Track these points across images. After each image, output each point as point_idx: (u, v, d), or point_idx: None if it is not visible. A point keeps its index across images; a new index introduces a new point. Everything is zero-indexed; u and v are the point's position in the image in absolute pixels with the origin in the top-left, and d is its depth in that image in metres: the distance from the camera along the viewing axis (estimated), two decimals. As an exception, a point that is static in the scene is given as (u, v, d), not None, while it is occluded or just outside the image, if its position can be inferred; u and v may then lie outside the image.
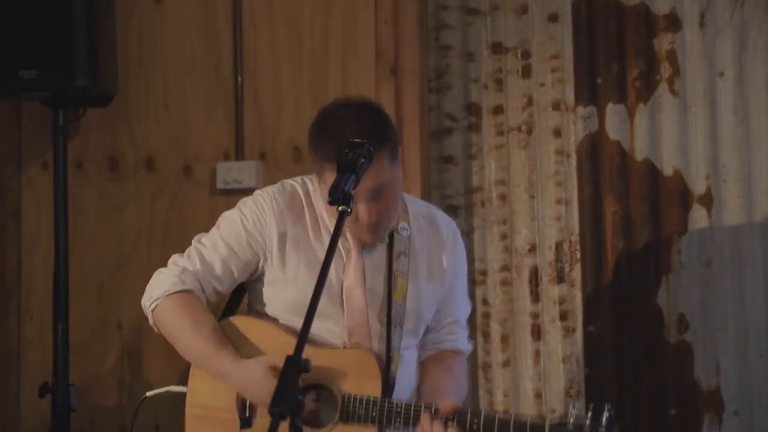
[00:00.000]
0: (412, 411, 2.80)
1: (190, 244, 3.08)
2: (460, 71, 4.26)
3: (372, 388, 2.85)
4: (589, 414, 2.67)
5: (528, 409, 4.12)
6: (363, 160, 2.73)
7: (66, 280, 4.19)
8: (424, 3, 4.26)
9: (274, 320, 2.99)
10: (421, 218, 3.08)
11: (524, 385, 4.13)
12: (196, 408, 2.99)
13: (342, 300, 2.93)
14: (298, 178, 3.09)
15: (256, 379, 2.84)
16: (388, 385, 2.89)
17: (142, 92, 4.42)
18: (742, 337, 3.95)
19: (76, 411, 4.15)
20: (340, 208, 2.64)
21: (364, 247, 2.97)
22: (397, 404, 2.81)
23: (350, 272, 2.95)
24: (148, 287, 3.06)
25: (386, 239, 2.99)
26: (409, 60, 4.18)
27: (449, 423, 2.76)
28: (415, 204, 3.14)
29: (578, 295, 4.09)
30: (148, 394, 3.17)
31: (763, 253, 3.94)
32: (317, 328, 2.76)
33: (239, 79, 4.34)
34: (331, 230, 2.90)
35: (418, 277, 3.01)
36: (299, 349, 2.40)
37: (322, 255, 2.88)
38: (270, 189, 3.05)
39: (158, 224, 4.38)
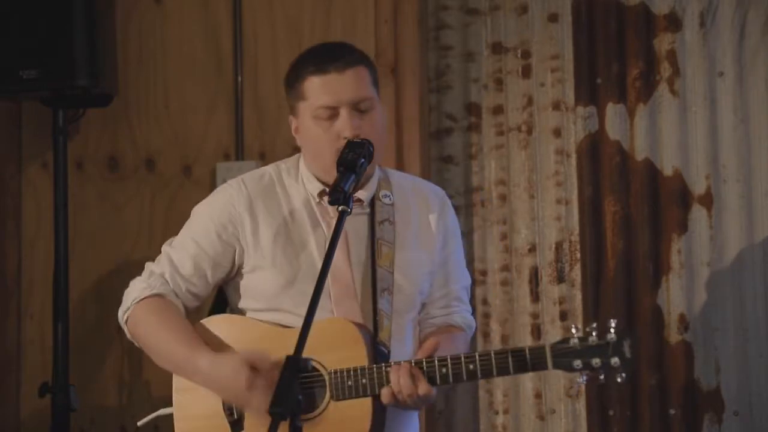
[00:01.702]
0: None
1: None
2: (460, 71, 4.26)
3: (357, 357, 2.70)
4: (594, 327, 2.53)
5: (528, 409, 4.12)
6: (363, 160, 2.73)
7: (66, 280, 4.19)
8: (424, 3, 4.26)
9: (249, 313, 2.87)
10: (406, 187, 2.98)
11: (524, 385, 4.12)
12: (185, 422, 2.85)
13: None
14: (271, 164, 3.01)
15: (228, 376, 2.69)
16: (378, 353, 2.75)
17: (142, 92, 4.43)
18: (742, 337, 3.94)
19: (76, 411, 4.15)
20: (340, 208, 2.65)
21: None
22: (385, 366, 2.66)
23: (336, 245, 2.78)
24: (123, 298, 2.95)
25: (367, 208, 2.89)
26: (409, 60, 4.18)
27: (417, 374, 2.63)
28: (398, 175, 3.04)
29: (578, 295, 4.09)
30: (139, 424, 3.03)
31: (763, 253, 3.94)
32: (305, 308, 2.52)
33: (239, 79, 4.34)
34: (311, 204, 2.87)
35: (406, 247, 2.89)
36: (299, 348, 2.40)
37: (298, 235, 2.85)
38: (238, 177, 2.96)
39: (158, 224, 4.38)
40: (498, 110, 4.22)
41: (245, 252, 2.87)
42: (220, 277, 2.90)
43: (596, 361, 2.52)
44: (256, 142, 4.31)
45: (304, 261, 2.83)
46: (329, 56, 2.82)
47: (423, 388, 2.64)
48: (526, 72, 4.19)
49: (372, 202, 2.90)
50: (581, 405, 4.06)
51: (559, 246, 4.13)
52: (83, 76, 4.14)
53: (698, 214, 4.00)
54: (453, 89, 4.27)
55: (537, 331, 4.11)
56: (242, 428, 2.76)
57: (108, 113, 4.39)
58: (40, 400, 4.15)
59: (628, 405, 4.03)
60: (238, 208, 2.88)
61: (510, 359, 2.59)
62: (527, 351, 2.58)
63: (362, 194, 2.87)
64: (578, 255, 4.10)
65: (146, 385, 4.35)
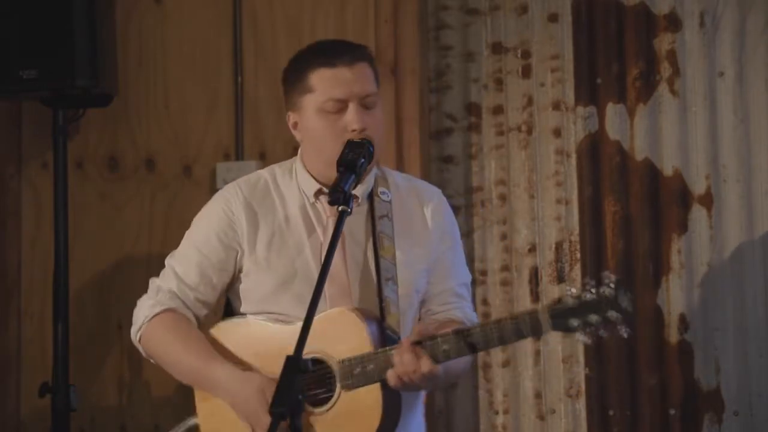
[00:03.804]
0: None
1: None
2: (460, 71, 4.26)
3: (362, 343, 2.69)
4: (591, 284, 2.45)
5: (528, 409, 4.12)
6: (363, 160, 2.73)
7: (66, 280, 4.19)
8: (424, 3, 4.26)
9: (250, 318, 2.87)
10: (402, 186, 2.98)
11: (524, 385, 4.12)
12: (210, 425, 2.86)
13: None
14: (266, 168, 3.01)
15: (250, 394, 2.71)
16: (388, 339, 2.73)
17: (142, 92, 4.43)
18: (742, 337, 3.94)
19: (76, 411, 4.15)
20: (340, 208, 2.65)
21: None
22: (390, 349, 2.64)
23: (325, 239, 2.81)
24: (133, 319, 2.97)
25: (365, 204, 2.89)
26: (409, 60, 4.18)
27: (419, 350, 2.60)
28: (395, 174, 3.04)
29: (578, 295, 4.09)
30: None
31: (763, 253, 3.94)
32: (300, 310, 2.55)
33: (239, 79, 4.34)
34: (306, 206, 2.87)
35: (403, 244, 2.88)
36: (299, 348, 2.40)
37: (293, 238, 2.85)
38: (234, 182, 2.97)
39: (158, 224, 4.38)
40: (498, 110, 4.22)
41: (243, 255, 2.87)
42: (226, 281, 2.91)
43: (594, 318, 2.44)
44: (256, 142, 4.31)
45: (299, 264, 2.84)
46: (337, 50, 2.85)
47: (426, 365, 2.61)
48: (526, 72, 4.19)
49: (370, 199, 2.90)
50: (581, 405, 4.06)
51: (559, 246, 4.13)
52: (83, 76, 4.14)
53: (698, 214, 4.00)
54: (453, 89, 4.27)
55: (537, 331, 4.11)
56: None
57: (108, 113, 4.39)
58: (40, 400, 4.14)
59: (628, 405, 4.03)
60: (236, 212, 2.89)
61: (508, 327, 2.55)
62: (524, 317, 2.53)
63: (359, 190, 2.86)
64: (578, 255, 4.10)
65: (146, 385, 4.35)
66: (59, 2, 4.13)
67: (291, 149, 4.25)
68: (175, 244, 3.11)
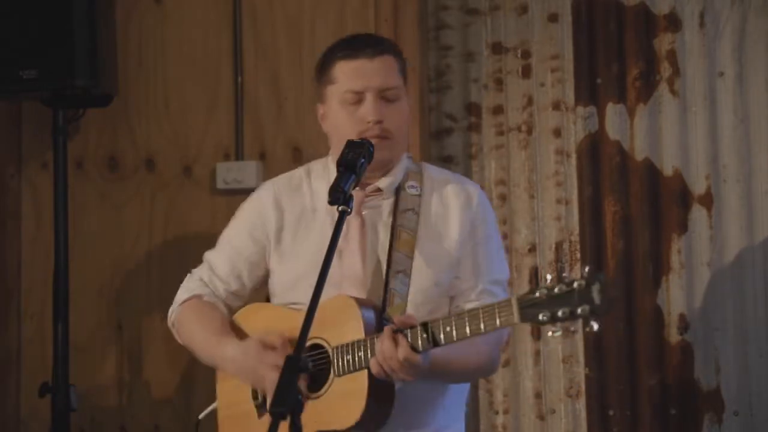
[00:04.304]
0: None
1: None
2: (460, 71, 4.26)
3: (355, 330, 2.71)
4: (564, 276, 2.39)
5: (528, 409, 4.12)
6: (363, 160, 2.74)
7: (66, 280, 4.18)
8: (424, 3, 4.26)
9: (269, 304, 2.96)
10: (437, 180, 2.98)
11: (524, 385, 4.12)
12: (225, 409, 2.95)
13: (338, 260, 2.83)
14: (305, 164, 3.07)
15: (238, 357, 2.80)
16: (383, 328, 2.71)
17: (142, 92, 4.43)
18: (742, 337, 3.94)
19: (76, 411, 4.15)
20: (340, 208, 2.66)
21: (363, 206, 2.90)
22: (376, 338, 2.64)
23: (347, 229, 2.84)
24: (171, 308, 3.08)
25: (391, 196, 2.92)
26: (409, 60, 4.16)
27: (399, 337, 2.59)
28: (431, 168, 3.05)
29: (578, 295, 4.08)
30: (200, 416, 3.05)
31: (763, 253, 3.94)
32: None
33: (239, 79, 4.34)
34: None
35: (429, 238, 2.88)
36: (299, 348, 2.40)
37: (318, 231, 2.89)
38: (273, 178, 3.06)
39: (158, 224, 4.38)
40: (498, 110, 4.22)
41: (271, 249, 2.96)
42: (258, 276, 3.01)
43: (563, 312, 2.36)
44: (256, 142, 4.31)
45: (319, 256, 2.83)
46: (360, 43, 2.90)
47: (402, 351, 2.58)
48: (526, 72, 4.19)
49: (397, 192, 2.93)
50: (581, 405, 4.06)
51: (559, 246, 4.13)
52: (83, 76, 4.14)
53: (698, 214, 4.00)
54: (453, 89, 4.27)
55: (537, 331, 4.11)
56: (266, 410, 2.75)
57: (108, 113, 4.39)
58: (40, 400, 4.14)
59: (628, 405, 4.03)
60: (267, 206, 2.97)
61: (480, 316, 2.52)
62: (495, 306, 2.50)
63: (383, 182, 2.91)
64: (578, 255, 4.10)
65: (146, 385, 4.35)
66: (59, 2, 4.12)
67: (291, 149, 4.26)
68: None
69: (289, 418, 2.28)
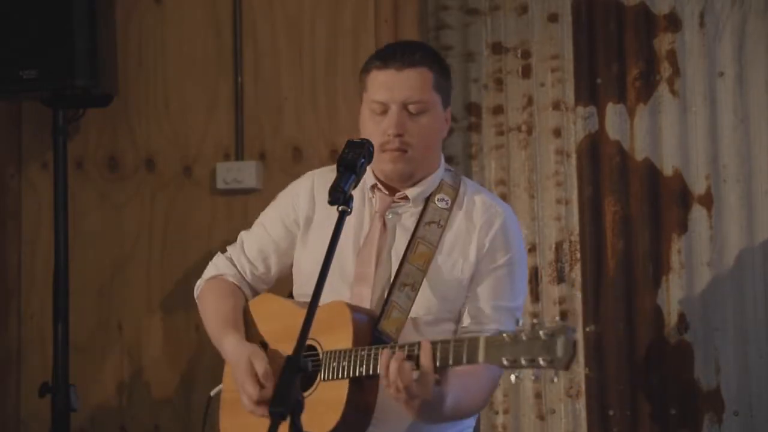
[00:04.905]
0: (372, 354, 2.63)
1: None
2: (460, 71, 4.25)
3: (344, 338, 2.72)
4: (536, 322, 2.36)
5: (528, 409, 4.12)
6: (363, 160, 2.74)
7: (66, 280, 4.19)
8: (424, 3, 4.26)
9: (279, 297, 2.99)
10: (470, 195, 2.97)
11: (524, 384, 4.12)
12: (228, 392, 2.98)
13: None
14: None
15: (231, 356, 2.87)
16: (375, 340, 2.73)
17: (142, 92, 4.43)
18: (742, 337, 3.94)
19: (76, 411, 4.15)
20: (340, 208, 2.66)
21: (388, 211, 2.91)
22: (362, 350, 2.66)
23: (368, 235, 2.90)
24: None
25: (420, 205, 2.92)
26: (409, 60, 4.18)
27: (405, 361, 2.57)
28: (471, 185, 3.03)
29: (578, 295, 4.09)
30: (212, 393, 3.06)
31: (763, 253, 3.94)
32: (326, 296, 2.59)
33: (239, 79, 4.34)
34: (365, 198, 2.93)
35: (448, 252, 2.88)
36: (299, 348, 2.40)
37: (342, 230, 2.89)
38: (318, 169, 3.10)
39: (158, 224, 4.38)
40: (498, 110, 4.22)
41: (299, 237, 3.00)
42: (285, 263, 3.05)
43: (525, 359, 2.36)
44: (256, 142, 4.31)
45: (338, 254, 2.83)
46: (394, 53, 2.90)
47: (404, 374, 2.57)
48: (526, 72, 4.19)
49: (426, 202, 2.94)
50: (581, 405, 4.06)
51: (559, 246, 4.13)
52: (83, 76, 4.14)
53: (698, 214, 4.00)
54: (453, 89, 4.24)
55: (537, 331, 4.11)
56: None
57: (108, 113, 4.39)
58: (40, 400, 4.14)
59: (628, 405, 4.02)
60: (301, 195, 3.02)
61: (450, 350, 2.53)
62: (465, 342, 2.51)
63: (412, 192, 2.93)
64: (578, 255, 4.10)
65: (146, 385, 4.35)
66: (59, 2, 4.13)
67: (291, 149, 4.26)
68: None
69: (289, 418, 2.28)
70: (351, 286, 2.86)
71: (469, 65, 4.25)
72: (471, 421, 3.03)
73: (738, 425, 3.93)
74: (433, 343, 2.57)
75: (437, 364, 2.55)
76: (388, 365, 2.58)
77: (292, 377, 2.33)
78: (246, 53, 4.34)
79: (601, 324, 4.07)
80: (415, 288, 2.83)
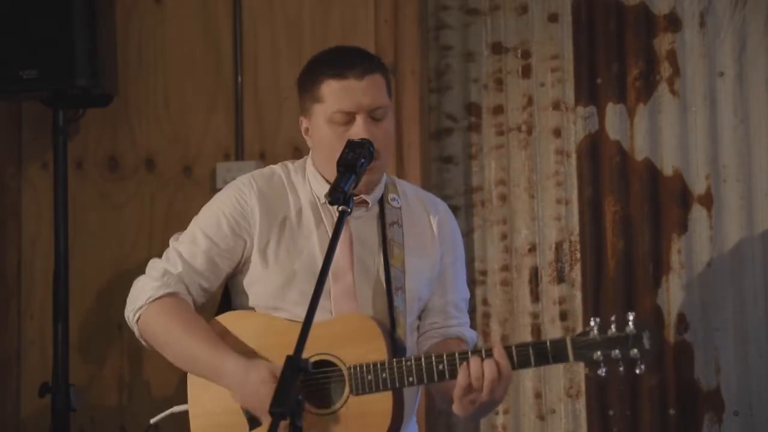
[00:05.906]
0: (423, 365, 2.64)
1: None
2: (460, 71, 4.26)
3: (377, 351, 2.70)
4: (612, 320, 2.57)
5: (528, 409, 4.12)
6: (363, 160, 2.73)
7: (66, 280, 4.19)
8: (424, 3, 4.26)
9: (260, 311, 2.86)
10: (410, 194, 2.99)
11: (524, 385, 4.12)
12: (201, 418, 2.83)
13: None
14: (278, 164, 3.00)
15: (254, 384, 2.68)
16: (398, 349, 2.75)
17: (142, 92, 4.43)
18: (742, 337, 3.94)
19: (76, 411, 4.15)
20: (340, 208, 2.65)
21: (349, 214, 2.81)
22: (406, 361, 2.66)
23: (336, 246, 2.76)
24: (129, 298, 2.91)
25: (376, 208, 2.90)
26: (409, 60, 4.18)
27: (500, 360, 2.62)
28: (402, 183, 3.05)
29: (578, 295, 4.09)
30: (152, 420, 2.95)
31: (763, 253, 3.94)
32: (304, 307, 2.52)
33: (239, 79, 4.34)
34: (317, 205, 2.87)
35: (412, 251, 2.89)
36: (299, 348, 2.40)
37: (301, 235, 2.85)
38: (248, 174, 2.96)
39: (158, 224, 4.38)
40: (498, 110, 4.22)
41: (253, 247, 2.86)
42: (229, 271, 2.89)
43: (616, 353, 2.56)
44: (256, 142, 4.31)
45: (305, 261, 2.83)
46: (348, 61, 2.83)
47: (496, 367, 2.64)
48: (526, 72, 4.19)
49: (381, 204, 2.91)
50: (581, 405, 4.06)
51: (559, 246, 4.13)
52: (83, 76, 4.14)
53: (698, 214, 4.01)
54: (453, 89, 4.27)
55: (537, 332, 4.11)
56: (260, 424, 2.72)
57: (108, 113, 4.39)
58: (40, 400, 4.15)
59: (628, 405, 4.03)
60: (250, 203, 2.87)
61: (531, 351, 2.62)
62: (548, 343, 2.61)
63: (371, 196, 2.88)
64: (578, 255, 4.10)
65: (146, 385, 4.35)
66: (59, 2, 4.13)
67: (291, 149, 4.25)
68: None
69: (289, 419, 2.28)
70: (333, 300, 2.79)
71: (469, 65, 4.25)
72: None
73: (738, 425, 3.93)
74: (517, 346, 2.65)
75: (516, 365, 2.64)
76: (482, 369, 2.62)
77: (292, 377, 2.33)
78: (246, 53, 4.34)
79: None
80: (403, 290, 2.84)
